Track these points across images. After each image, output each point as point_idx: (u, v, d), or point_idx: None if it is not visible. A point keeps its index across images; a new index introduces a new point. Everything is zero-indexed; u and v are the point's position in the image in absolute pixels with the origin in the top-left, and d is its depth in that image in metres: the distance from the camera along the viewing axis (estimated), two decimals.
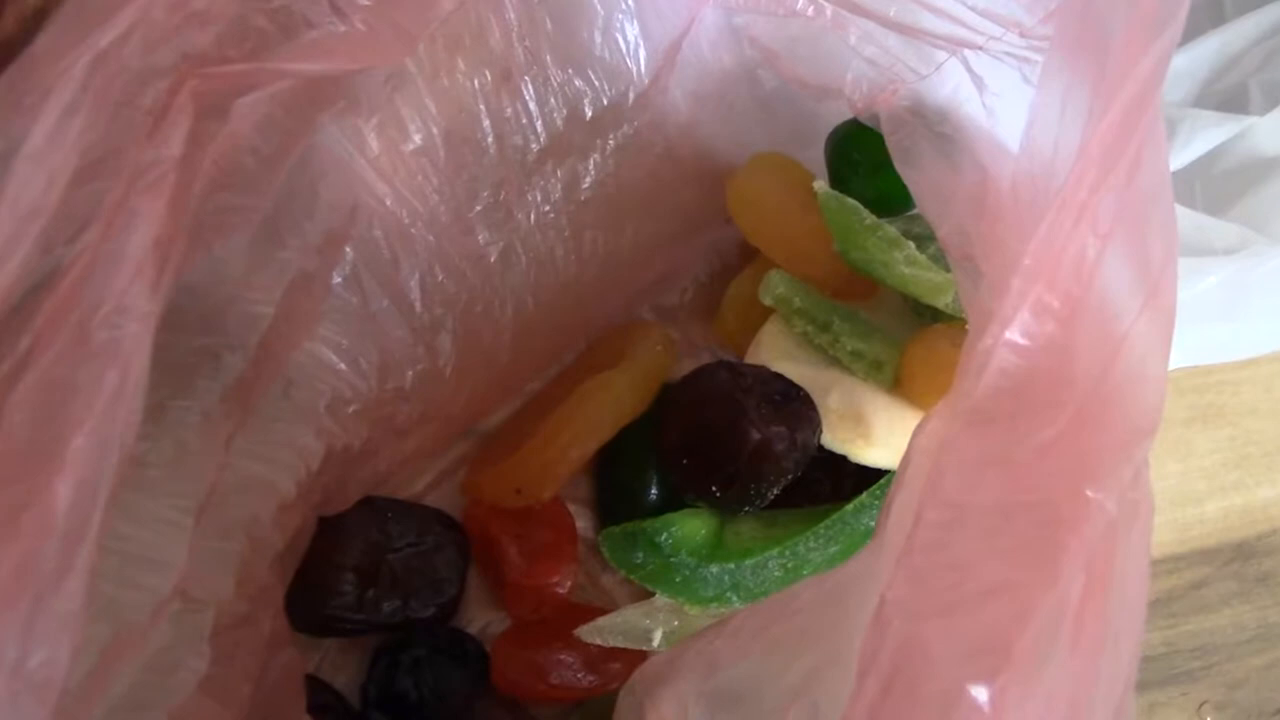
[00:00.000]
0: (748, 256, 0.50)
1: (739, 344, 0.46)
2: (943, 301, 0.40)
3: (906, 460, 0.28)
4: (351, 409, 0.35)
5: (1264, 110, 0.48)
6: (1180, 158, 0.49)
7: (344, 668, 0.43)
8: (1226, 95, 0.51)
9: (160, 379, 0.28)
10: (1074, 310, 0.27)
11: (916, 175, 0.39)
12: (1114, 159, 0.29)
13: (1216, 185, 0.51)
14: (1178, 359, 0.49)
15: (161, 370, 0.28)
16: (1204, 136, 0.49)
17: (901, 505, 0.26)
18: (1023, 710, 0.21)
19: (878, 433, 0.41)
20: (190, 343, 0.29)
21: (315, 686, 0.41)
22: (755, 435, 0.39)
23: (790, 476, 0.40)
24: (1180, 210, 0.48)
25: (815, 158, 0.47)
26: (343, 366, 0.35)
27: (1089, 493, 0.24)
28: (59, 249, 0.23)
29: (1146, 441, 0.26)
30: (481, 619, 0.45)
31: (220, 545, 0.30)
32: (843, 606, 0.27)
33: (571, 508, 0.46)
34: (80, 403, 0.23)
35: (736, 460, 0.39)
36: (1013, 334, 0.27)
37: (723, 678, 0.29)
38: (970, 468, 0.25)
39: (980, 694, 0.21)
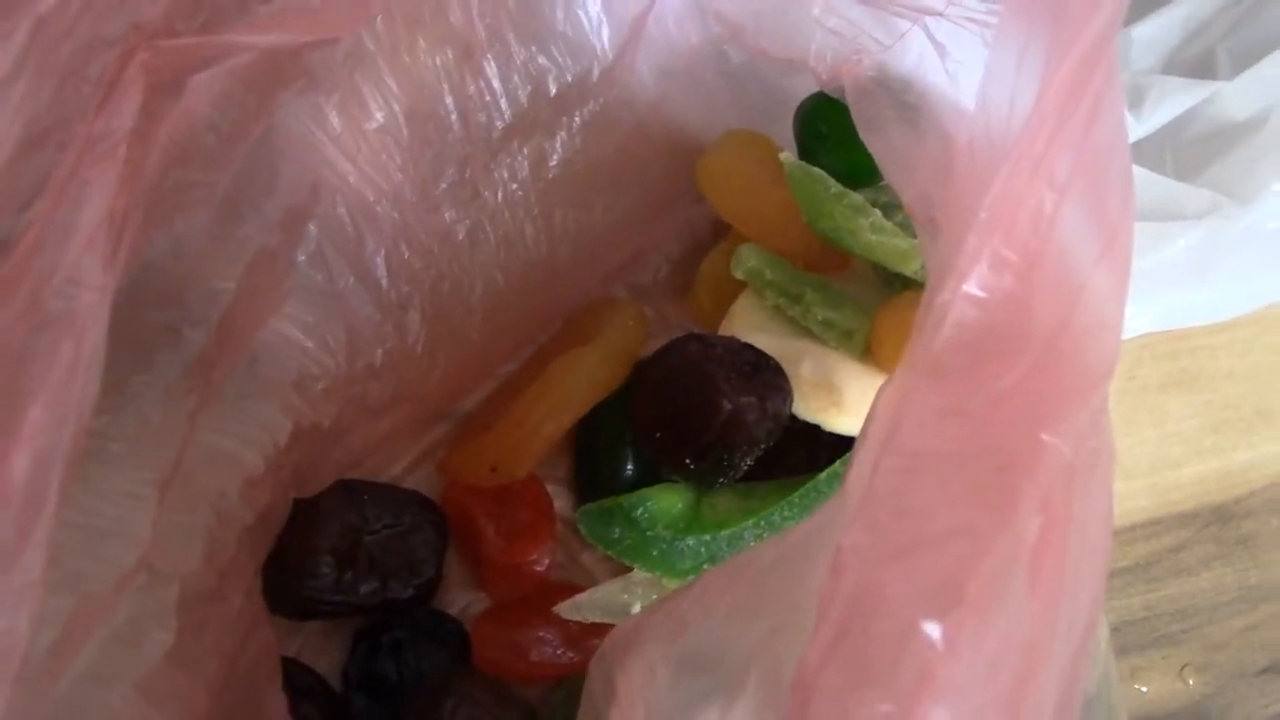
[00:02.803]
0: (721, 234, 0.50)
1: (713, 320, 0.46)
2: (910, 269, 0.40)
3: (869, 418, 0.28)
4: (320, 386, 0.36)
5: (1231, 75, 0.49)
6: (1149, 124, 0.49)
7: (325, 651, 0.43)
8: (1195, 62, 0.51)
9: (120, 354, 0.28)
10: (1032, 263, 0.28)
11: (881, 144, 0.39)
12: (1069, 112, 0.29)
13: (1187, 152, 0.51)
14: (1152, 324, 0.50)
15: (121, 345, 0.28)
16: (1172, 102, 0.49)
17: (862, 460, 0.26)
18: (977, 647, 0.21)
19: (850, 400, 0.41)
20: (150, 318, 0.29)
21: (296, 670, 0.41)
22: (726, 406, 0.39)
23: (763, 446, 0.40)
24: (1151, 177, 0.48)
25: (785, 132, 0.47)
26: (309, 344, 0.35)
27: (1044, 437, 0.24)
28: (7, 219, 0.23)
29: (1102, 387, 0.27)
30: (461, 600, 0.45)
31: (186, 519, 0.30)
32: (804, 561, 0.27)
33: (550, 488, 0.46)
34: (35, 373, 0.23)
35: (708, 431, 0.39)
36: (970, 287, 0.27)
37: (689, 639, 0.29)
38: (928, 418, 0.25)
39: (933, 630, 0.21)
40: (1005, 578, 0.22)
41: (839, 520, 0.25)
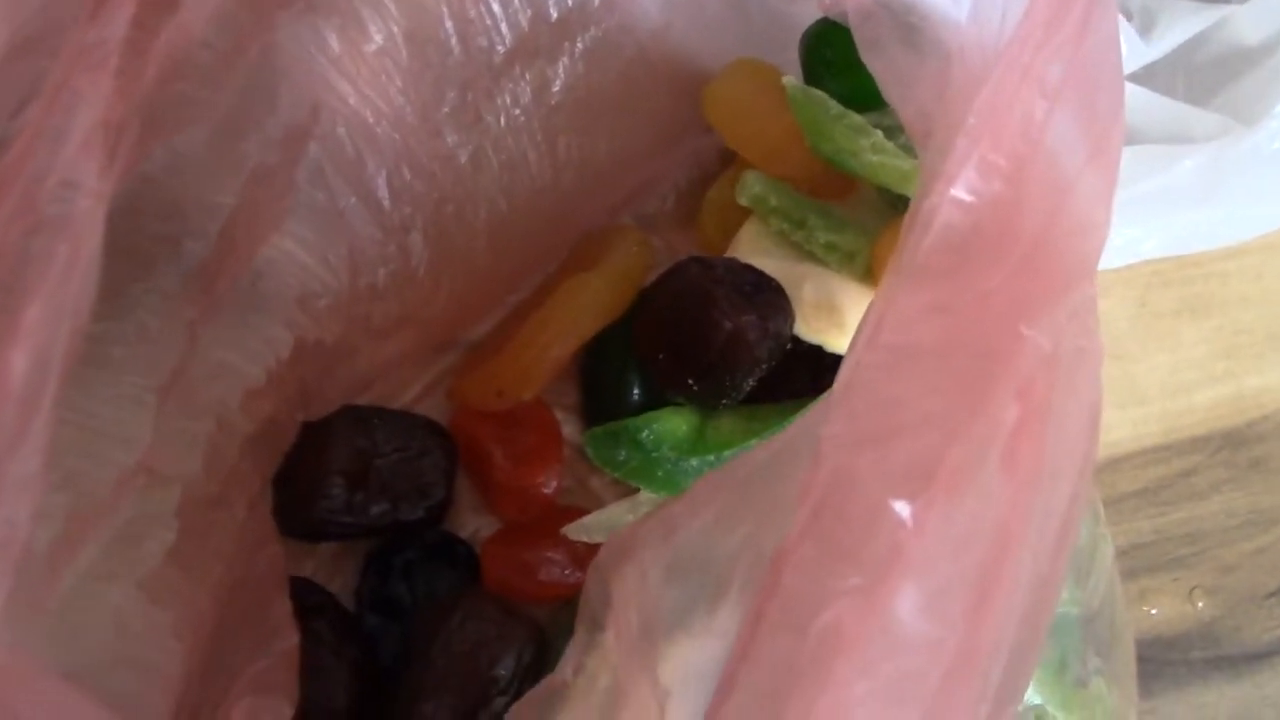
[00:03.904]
0: (727, 164, 0.50)
1: (719, 248, 0.46)
2: (912, 190, 0.40)
3: (860, 325, 0.28)
4: (322, 303, 0.36)
5: None
6: (1160, 47, 0.49)
7: (338, 573, 0.44)
8: None
9: (119, 263, 0.29)
10: (1020, 168, 0.28)
11: (883, 65, 0.39)
12: (1060, 20, 0.29)
13: (1198, 75, 0.51)
14: (1160, 247, 0.49)
15: (120, 255, 0.29)
16: (1184, 25, 0.48)
17: (847, 361, 0.26)
18: (946, 526, 0.21)
19: (851, 321, 0.41)
20: (149, 229, 0.30)
21: (308, 589, 0.41)
22: (727, 325, 0.39)
23: (765, 366, 0.41)
24: (1160, 100, 0.48)
25: (792, 61, 0.47)
26: (311, 261, 0.35)
27: (1024, 330, 0.25)
28: (0, 123, 0.24)
29: (1086, 284, 0.27)
30: (471, 524, 0.46)
31: (187, 425, 0.31)
32: (790, 461, 0.27)
33: (558, 414, 0.46)
34: (32, 274, 0.24)
35: (710, 351, 0.40)
36: (958, 191, 0.27)
37: (678, 543, 0.29)
38: (911, 315, 0.26)
39: (903, 509, 0.21)
40: (977, 461, 0.22)
41: (822, 419, 0.26)
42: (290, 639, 0.33)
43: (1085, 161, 0.29)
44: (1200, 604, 0.49)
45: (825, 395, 0.41)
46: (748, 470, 0.29)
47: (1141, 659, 0.41)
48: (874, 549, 0.21)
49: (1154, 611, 0.49)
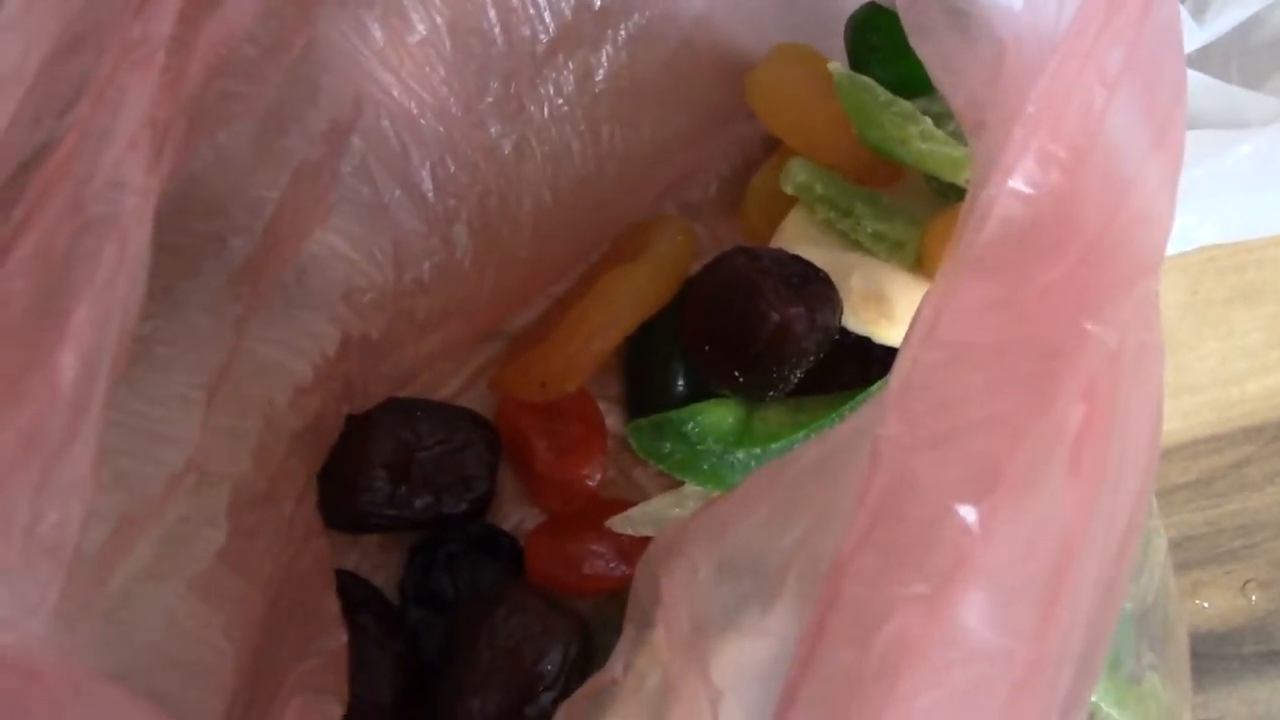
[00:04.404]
0: (771, 152, 0.49)
1: (764, 237, 0.46)
2: (962, 178, 0.40)
3: (914, 319, 0.28)
4: (368, 298, 0.36)
5: None
6: (1212, 30, 0.48)
7: (382, 566, 0.44)
8: None
9: (166, 261, 0.28)
10: (1080, 159, 0.27)
11: (931, 50, 0.38)
12: (1119, 5, 0.28)
13: (1252, 58, 0.50)
14: (1214, 233, 0.48)
15: (167, 253, 0.29)
16: (1237, 7, 0.47)
17: (903, 356, 0.26)
18: (1012, 531, 0.21)
19: (901, 312, 0.41)
20: (196, 227, 0.30)
21: (353, 582, 0.41)
22: (774, 317, 0.39)
23: (812, 358, 0.40)
24: (1214, 84, 0.47)
25: (836, 47, 0.47)
26: (356, 256, 0.35)
27: (1088, 326, 0.24)
28: (48, 122, 0.24)
29: (1149, 277, 0.26)
30: (515, 516, 0.46)
31: (235, 424, 0.31)
32: (844, 460, 0.27)
33: (602, 405, 0.46)
34: (80, 275, 0.24)
35: (756, 343, 0.39)
36: (1016, 182, 0.27)
37: (730, 541, 0.29)
38: (969, 310, 0.25)
39: (968, 514, 0.21)
40: (1043, 464, 0.22)
41: (878, 418, 0.25)
42: (339, 638, 0.33)
43: (1147, 151, 0.28)
44: (1254, 597, 0.48)
45: (877, 389, 0.41)
46: (800, 468, 0.28)
47: (1194, 654, 0.41)
48: (938, 556, 0.20)
49: (1206, 605, 0.48)
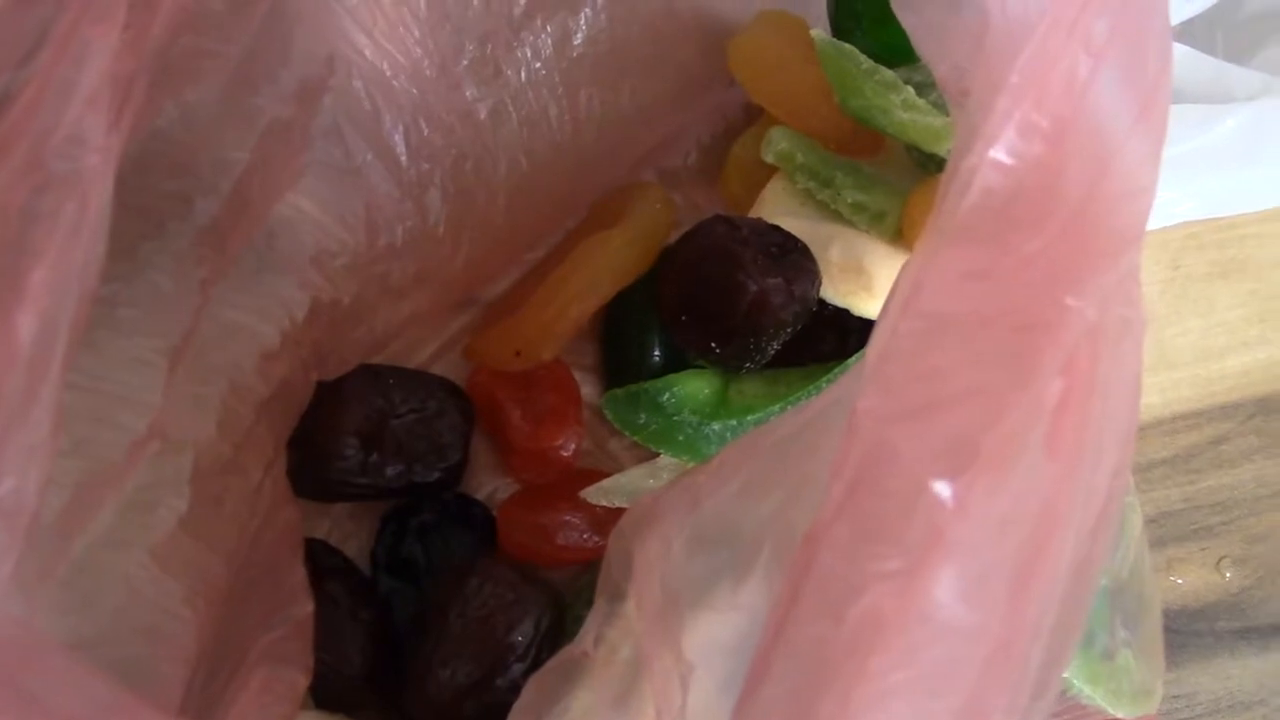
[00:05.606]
0: (752, 119, 0.49)
1: (744, 206, 0.45)
2: (943, 149, 0.39)
3: (892, 289, 0.27)
4: (339, 262, 0.35)
5: None
6: (1198, 3, 0.47)
7: (353, 535, 0.44)
8: None
9: (129, 221, 0.28)
10: (1063, 130, 0.27)
11: (915, 18, 0.38)
12: None
13: (1239, 32, 0.49)
14: (1197, 209, 0.48)
15: (131, 213, 0.28)
16: None
17: (881, 327, 0.26)
18: (989, 507, 0.20)
19: (880, 284, 0.40)
20: (161, 186, 0.29)
21: (323, 551, 0.41)
22: (752, 287, 0.38)
23: (790, 330, 0.40)
24: (1200, 57, 0.47)
25: (819, 14, 0.46)
26: (327, 220, 0.34)
27: (1068, 300, 0.24)
28: (5, 74, 0.23)
29: (1131, 251, 0.26)
30: (488, 485, 0.45)
31: (199, 389, 0.30)
32: (820, 432, 0.26)
33: (577, 374, 0.46)
34: (39, 234, 0.23)
35: (734, 314, 0.39)
36: (997, 153, 0.26)
37: (704, 513, 0.29)
38: (948, 281, 0.25)
39: (944, 489, 0.20)
40: (1021, 438, 0.21)
41: (854, 389, 0.25)
42: (305, 607, 0.32)
43: (1132, 122, 0.28)
44: (1228, 574, 0.48)
45: (855, 361, 0.40)
46: (776, 439, 0.28)
47: (1168, 630, 0.41)
48: (913, 531, 0.20)
49: (1181, 581, 0.48)
